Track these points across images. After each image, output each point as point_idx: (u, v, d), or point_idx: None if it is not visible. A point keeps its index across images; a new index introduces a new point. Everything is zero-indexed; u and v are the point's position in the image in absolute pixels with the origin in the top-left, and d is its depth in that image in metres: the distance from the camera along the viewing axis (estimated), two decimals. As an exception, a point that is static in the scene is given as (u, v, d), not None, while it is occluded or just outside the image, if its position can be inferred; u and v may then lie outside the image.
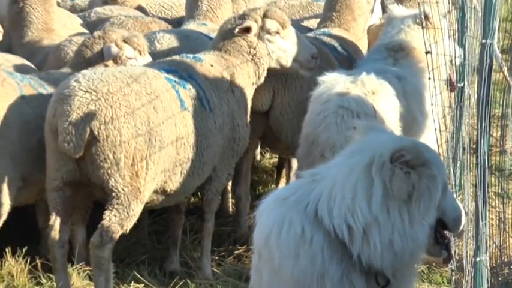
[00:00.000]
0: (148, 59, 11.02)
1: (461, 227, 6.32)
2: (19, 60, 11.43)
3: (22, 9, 12.53)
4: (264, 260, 6.22)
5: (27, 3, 12.39)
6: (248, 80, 10.65)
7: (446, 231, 6.26)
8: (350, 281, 5.92)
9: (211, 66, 10.50)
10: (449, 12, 10.31)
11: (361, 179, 5.83)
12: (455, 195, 8.26)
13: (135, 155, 9.41)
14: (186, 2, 14.16)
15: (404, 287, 6.33)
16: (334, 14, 11.64)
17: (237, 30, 10.52)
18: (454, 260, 9.24)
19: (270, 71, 11.17)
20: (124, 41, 10.53)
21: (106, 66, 10.29)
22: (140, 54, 10.88)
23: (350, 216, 5.85)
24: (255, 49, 10.53)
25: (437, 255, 6.30)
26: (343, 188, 5.90)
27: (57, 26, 12.98)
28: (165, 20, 15.12)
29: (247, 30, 10.47)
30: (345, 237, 5.80)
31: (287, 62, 10.96)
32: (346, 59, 11.13)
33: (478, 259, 8.06)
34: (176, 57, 10.84)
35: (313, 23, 14.40)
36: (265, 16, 10.88)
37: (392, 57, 10.16)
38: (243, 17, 10.82)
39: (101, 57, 10.39)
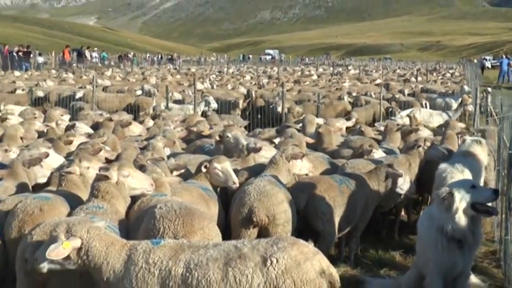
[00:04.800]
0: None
1: (490, 203, 6.17)
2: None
3: (320, 135, 10.83)
4: (419, 234, 6.57)
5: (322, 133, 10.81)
6: (417, 166, 9.21)
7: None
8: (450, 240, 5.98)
9: (399, 159, 9.11)
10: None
11: None
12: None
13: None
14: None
15: (474, 246, 6.25)
16: (446, 140, 10.51)
17: (420, 146, 9.37)
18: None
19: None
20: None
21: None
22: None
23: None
24: (421, 154, 9.25)
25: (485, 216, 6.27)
26: None
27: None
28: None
29: (420, 146, 9.37)
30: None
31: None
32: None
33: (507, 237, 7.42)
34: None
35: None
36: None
37: (463, 156, 8.71)
38: (417, 142, 9.52)
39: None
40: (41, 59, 52.17)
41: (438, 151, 9.39)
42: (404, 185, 8.19)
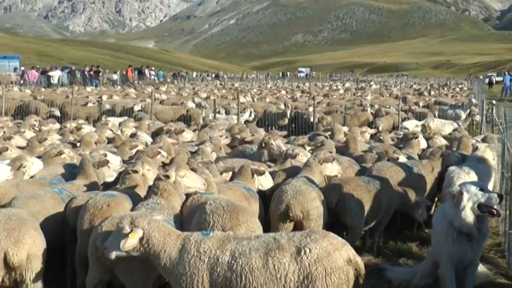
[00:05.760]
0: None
1: (494, 205, 5.94)
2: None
3: (346, 142, 10.69)
4: (433, 228, 6.56)
5: (348, 140, 10.60)
6: (438, 169, 9.13)
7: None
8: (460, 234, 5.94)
9: (423, 164, 9.12)
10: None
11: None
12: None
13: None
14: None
15: (482, 240, 6.15)
16: (461, 145, 10.09)
17: (440, 153, 9.15)
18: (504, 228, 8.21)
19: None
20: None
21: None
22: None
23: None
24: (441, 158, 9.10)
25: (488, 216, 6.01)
26: None
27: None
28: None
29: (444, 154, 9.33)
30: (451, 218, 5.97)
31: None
32: (464, 160, 9.31)
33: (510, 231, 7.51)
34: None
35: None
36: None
37: (477, 161, 8.73)
38: (441, 150, 9.53)
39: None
40: (115, 76, 52.89)
41: (455, 156, 9.31)
42: (421, 214, 8.27)
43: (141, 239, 4.56)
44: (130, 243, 4.51)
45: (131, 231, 4.57)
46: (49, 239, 5.94)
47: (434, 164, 9.18)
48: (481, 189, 5.99)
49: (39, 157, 8.60)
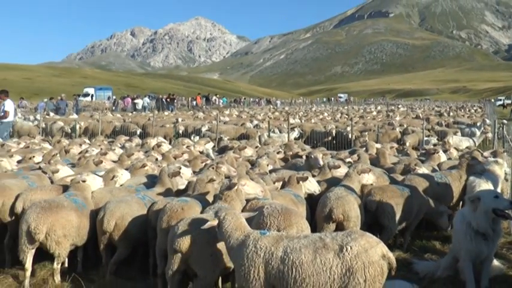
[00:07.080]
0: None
1: (507, 210, 5.84)
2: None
3: (377, 155, 10.61)
4: (454, 228, 6.38)
5: (379, 154, 10.57)
6: (462, 180, 8.50)
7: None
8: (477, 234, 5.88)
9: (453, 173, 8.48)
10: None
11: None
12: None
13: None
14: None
15: (496, 239, 6.02)
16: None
17: (466, 163, 8.70)
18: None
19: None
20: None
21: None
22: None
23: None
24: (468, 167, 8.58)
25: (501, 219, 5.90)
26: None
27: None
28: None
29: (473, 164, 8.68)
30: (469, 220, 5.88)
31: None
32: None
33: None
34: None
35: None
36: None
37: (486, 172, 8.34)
38: (469, 161, 8.86)
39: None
40: (194, 102, 53.85)
41: (481, 166, 9.08)
42: (444, 223, 8.13)
43: (217, 225, 4.72)
44: (208, 225, 4.73)
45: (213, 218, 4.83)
46: (135, 236, 6.19)
47: (462, 173, 8.87)
48: (496, 196, 5.92)
49: (127, 169, 8.74)
